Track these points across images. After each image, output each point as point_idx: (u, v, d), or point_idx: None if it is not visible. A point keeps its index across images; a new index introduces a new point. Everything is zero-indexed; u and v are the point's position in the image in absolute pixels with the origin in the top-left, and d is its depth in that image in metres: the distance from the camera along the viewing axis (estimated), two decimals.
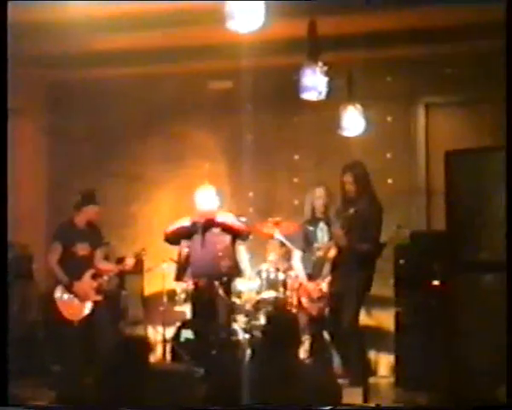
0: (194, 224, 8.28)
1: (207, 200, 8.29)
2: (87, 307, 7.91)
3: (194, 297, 8.21)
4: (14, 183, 10.00)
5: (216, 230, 8.34)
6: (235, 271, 8.28)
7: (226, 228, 8.22)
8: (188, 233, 8.35)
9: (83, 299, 7.90)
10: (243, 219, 8.43)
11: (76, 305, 7.90)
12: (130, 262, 8.28)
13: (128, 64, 9.54)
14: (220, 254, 7.99)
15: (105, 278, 8.09)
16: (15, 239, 9.25)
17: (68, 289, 7.88)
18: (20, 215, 9.82)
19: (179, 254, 8.60)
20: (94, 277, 8.01)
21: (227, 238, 8.34)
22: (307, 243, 8.39)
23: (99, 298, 7.98)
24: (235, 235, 8.36)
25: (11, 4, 5.53)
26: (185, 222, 8.37)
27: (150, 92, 10.12)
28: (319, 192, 8.32)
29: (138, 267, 9.33)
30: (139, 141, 10.24)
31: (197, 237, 8.35)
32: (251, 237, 8.62)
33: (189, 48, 8.90)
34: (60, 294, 7.92)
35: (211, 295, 7.92)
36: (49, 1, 6.95)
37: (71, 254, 7.99)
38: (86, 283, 7.93)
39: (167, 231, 8.43)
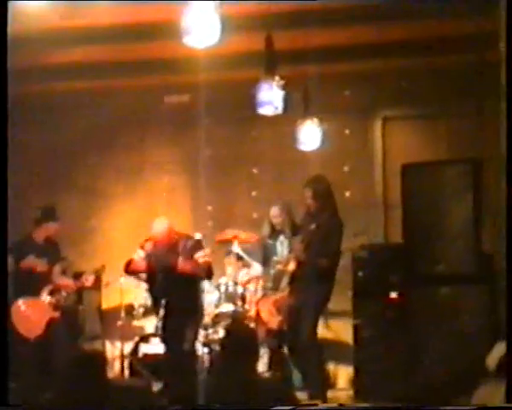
0: (148, 256, 7.91)
1: (160, 227, 7.93)
2: (43, 324, 7.81)
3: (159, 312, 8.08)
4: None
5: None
6: (197, 292, 8.16)
7: (188, 277, 7.92)
8: (146, 270, 8.02)
9: (40, 315, 7.80)
10: (199, 235, 8.32)
11: (32, 321, 7.80)
12: (89, 279, 8.18)
13: (85, 78, 9.48)
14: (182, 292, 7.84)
15: (63, 294, 7.99)
16: None
17: (25, 305, 7.78)
18: None
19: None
20: (51, 293, 7.92)
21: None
22: (267, 256, 8.40)
23: (56, 314, 7.88)
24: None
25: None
26: (140, 254, 7.94)
27: (108, 106, 10.07)
28: (274, 211, 8.36)
29: (96, 282, 9.27)
30: (97, 155, 10.19)
31: (158, 283, 8.09)
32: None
33: (145, 62, 8.88)
34: (16, 310, 7.82)
35: (175, 311, 7.80)
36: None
37: (28, 271, 7.87)
38: (43, 299, 7.85)
39: (126, 269, 8.08)
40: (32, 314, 7.82)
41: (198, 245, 7.76)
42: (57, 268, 8.14)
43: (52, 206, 8.25)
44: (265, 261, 8.41)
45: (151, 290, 8.00)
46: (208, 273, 7.85)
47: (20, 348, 7.76)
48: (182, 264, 7.59)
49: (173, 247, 7.69)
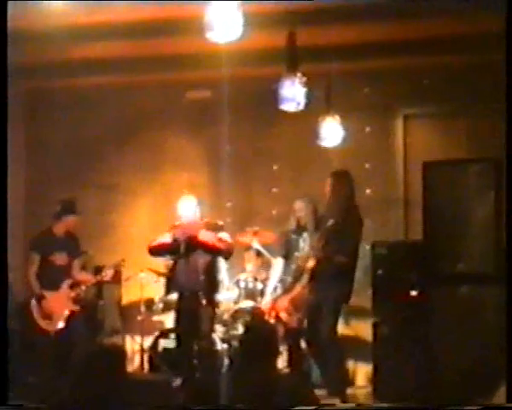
0: (175, 240, 8.01)
1: (189, 212, 8.07)
2: (64, 318, 7.84)
3: (179, 307, 8.10)
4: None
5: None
6: (215, 286, 8.18)
7: (207, 249, 7.96)
8: (170, 249, 8.13)
9: (60, 309, 7.84)
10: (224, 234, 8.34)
11: (53, 315, 7.83)
12: (109, 273, 8.22)
13: (106, 73, 9.52)
14: (201, 271, 7.85)
15: (83, 288, 8.02)
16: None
17: (46, 299, 7.81)
18: None
19: (166, 267, 8.49)
20: (71, 287, 7.95)
21: (208, 256, 8.15)
22: (289, 250, 8.38)
23: (76, 308, 7.92)
24: (217, 254, 8.15)
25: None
26: (166, 238, 8.03)
27: (128, 102, 10.10)
28: (299, 205, 8.34)
29: (116, 277, 9.29)
30: (117, 151, 10.21)
31: (180, 253, 8.15)
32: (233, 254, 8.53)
33: (167, 57, 8.90)
34: (37, 304, 7.86)
35: (193, 306, 7.82)
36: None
37: (49, 264, 7.92)
38: (64, 293, 7.88)
39: (150, 246, 8.15)
40: (52, 308, 7.85)
41: (221, 227, 7.97)
42: (77, 263, 8.18)
43: (72, 200, 8.28)
44: (288, 256, 8.38)
45: (171, 273, 8.01)
46: (228, 251, 7.87)
47: (41, 341, 7.81)
48: (203, 234, 7.67)
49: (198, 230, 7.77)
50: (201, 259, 7.85)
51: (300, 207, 8.33)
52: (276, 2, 6.93)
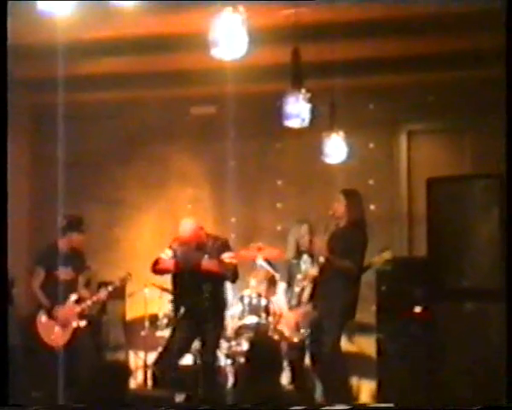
0: (177, 262, 7.89)
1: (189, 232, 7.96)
2: (69, 333, 7.83)
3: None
4: (7, 210, 10.05)
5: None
6: (220, 303, 8.12)
7: (212, 276, 7.88)
8: (174, 271, 8.02)
9: (65, 324, 7.83)
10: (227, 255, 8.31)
11: (58, 330, 7.82)
12: (103, 293, 8.11)
13: (111, 89, 9.56)
14: (205, 289, 7.79)
15: (88, 302, 8.01)
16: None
17: (50, 314, 7.81)
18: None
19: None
20: (77, 302, 7.94)
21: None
22: (291, 275, 8.38)
23: (81, 323, 7.89)
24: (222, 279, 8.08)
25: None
26: (168, 257, 7.79)
27: (133, 117, 10.14)
28: (304, 230, 8.33)
29: (120, 292, 9.30)
30: (122, 166, 10.23)
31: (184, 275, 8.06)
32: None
33: (172, 73, 8.94)
34: (41, 319, 7.85)
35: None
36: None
37: (53, 279, 7.90)
38: (69, 308, 7.86)
39: (154, 268, 8.05)
40: (56, 323, 7.84)
41: (225, 245, 7.76)
42: (81, 279, 8.16)
43: (79, 216, 8.27)
44: (290, 281, 8.38)
45: (175, 291, 7.94)
46: (234, 275, 7.75)
47: (44, 357, 7.79)
48: (206, 262, 7.54)
49: (201, 246, 7.67)
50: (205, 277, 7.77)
51: (304, 233, 8.32)
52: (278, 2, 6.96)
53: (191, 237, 7.63)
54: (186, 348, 7.78)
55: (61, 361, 7.70)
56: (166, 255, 7.75)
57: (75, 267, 8.06)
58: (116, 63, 8.75)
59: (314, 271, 7.64)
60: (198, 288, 7.56)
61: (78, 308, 7.90)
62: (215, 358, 7.83)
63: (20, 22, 7.50)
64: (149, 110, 10.04)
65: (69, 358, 7.72)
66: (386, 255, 7.66)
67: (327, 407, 6.02)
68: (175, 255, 7.72)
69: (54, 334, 7.79)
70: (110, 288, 8.15)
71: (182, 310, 7.76)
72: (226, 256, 7.63)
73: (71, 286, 7.98)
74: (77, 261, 8.10)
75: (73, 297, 7.90)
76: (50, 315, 7.80)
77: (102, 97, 9.87)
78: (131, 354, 9.35)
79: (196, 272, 7.58)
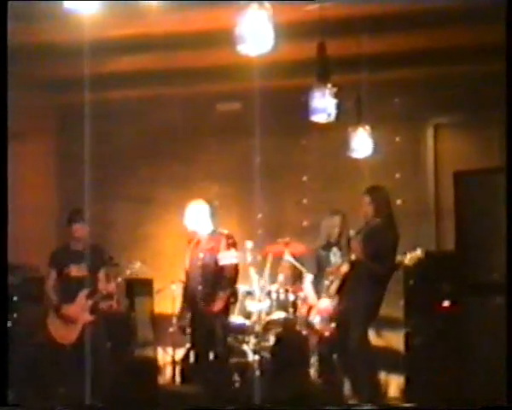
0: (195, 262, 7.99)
1: (199, 220, 8.07)
2: (78, 329, 7.74)
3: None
4: (24, 205, 10.13)
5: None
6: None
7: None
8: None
9: (74, 321, 7.75)
10: (250, 243, 8.35)
11: (67, 328, 7.75)
12: (113, 284, 8.08)
13: (138, 86, 9.60)
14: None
15: (96, 297, 7.90)
16: (25, 261, 9.29)
17: (59, 312, 7.74)
18: (30, 237, 9.87)
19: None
20: (88, 296, 7.84)
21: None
22: (320, 267, 8.37)
23: (93, 318, 7.80)
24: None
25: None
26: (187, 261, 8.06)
27: (159, 114, 10.17)
28: (335, 221, 8.32)
29: (148, 289, 9.36)
30: (149, 163, 10.28)
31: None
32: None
33: (197, 70, 8.96)
34: (51, 318, 7.80)
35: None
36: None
37: (65, 277, 7.85)
38: (79, 304, 7.78)
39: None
40: (65, 321, 7.77)
41: (227, 245, 7.82)
42: (101, 274, 8.06)
43: (77, 208, 8.22)
44: (318, 272, 8.37)
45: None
46: (230, 274, 7.81)
47: (57, 353, 7.78)
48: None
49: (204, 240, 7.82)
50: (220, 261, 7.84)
51: (336, 224, 8.30)
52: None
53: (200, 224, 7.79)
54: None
55: (78, 358, 7.67)
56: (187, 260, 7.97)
57: (91, 263, 7.96)
58: (142, 61, 8.79)
59: (345, 267, 7.62)
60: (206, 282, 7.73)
61: (88, 303, 7.81)
62: (226, 349, 7.86)
63: (45, 22, 7.58)
64: (175, 107, 10.08)
65: (83, 353, 7.68)
66: (419, 253, 7.62)
67: (356, 408, 6.02)
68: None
69: (64, 331, 7.74)
70: (119, 279, 8.08)
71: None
72: (222, 257, 7.76)
73: (84, 282, 7.88)
74: (92, 257, 7.99)
75: (84, 293, 7.81)
76: (59, 313, 7.75)
77: (129, 95, 9.92)
78: (159, 351, 9.37)
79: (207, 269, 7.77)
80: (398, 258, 7.54)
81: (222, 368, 7.68)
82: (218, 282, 7.73)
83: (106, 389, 6.59)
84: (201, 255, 7.84)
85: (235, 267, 7.88)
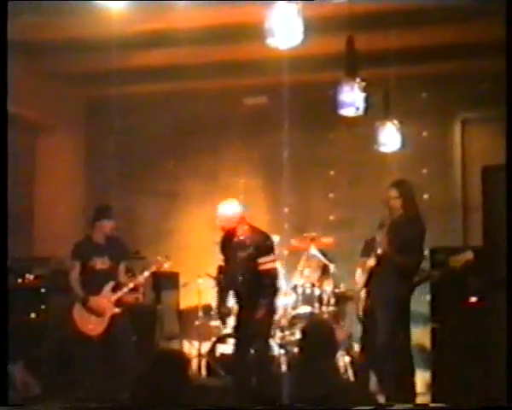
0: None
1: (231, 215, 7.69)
2: (105, 322, 7.77)
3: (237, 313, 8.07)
4: (51, 198, 10.20)
5: None
6: (273, 293, 8.12)
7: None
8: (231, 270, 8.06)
9: (101, 314, 7.78)
10: (276, 237, 8.33)
11: (94, 320, 7.78)
12: (142, 277, 8.10)
13: (164, 80, 9.63)
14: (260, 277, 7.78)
15: (124, 290, 7.92)
16: (53, 253, 9.35)
17: (86, 304, 7.77)
18: (57, 229, 9.94)
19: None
20: (114, 290, 7.87)
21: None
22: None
23: (118, 311, 7.83)
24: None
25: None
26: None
27: (186, 108, 10.19)
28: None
29: (174, 282, 9.38)
30: (175, 157, 10.31)
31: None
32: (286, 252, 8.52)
33: (225, 63, 8.97)
34: (77, 310, 7.83)
35: (252, 312, 7.75)
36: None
37: (90, 270, 7.87)
38: (105, 297, 7.81)
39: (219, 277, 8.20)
40: (93, 312, 7.79)
41: (264, 245, 7.62)
42: (121, 267, 8.08)
43: (106, 204, 8.24)
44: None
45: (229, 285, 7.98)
46: (272, 279, 7.66)
47: (83, 346, 7.81)
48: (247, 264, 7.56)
49: (242, 239, 7.64)
50: (246, 254, 7.72)
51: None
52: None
53: (232, 228, 7.61)
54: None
55: (104, 350, 7.70)
56: (222, 261, 7.83)
57: (113, 256, 7.98)
58: (170, 55, 8.81)
59: (372, 261, 7.58)
60: (248, 280, 7.61)
61: (114, 296, 7.84)
62: (268, 347, 7.85)
63: (74, 17, 7.62)
64: (202, 101, 10.09)
65: (111, 346, 7.71)
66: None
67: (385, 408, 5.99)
68: (223, 255, 7.77)
69: (90, 324, 7.77)
70: (146, 273, 8.06)
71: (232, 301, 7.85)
72: (264, 260, 7.55)
73: (109, 275, 7.91)
74: (114, 250, 8.01)
75: (109, 286, 7.84)
76: (86, 305, 7.78)
77: (155, 89, 9.95)
78: (185, 344, 9.39)
79: (236, 264, 7.63)
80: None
81: (259, 363, 7.62)
82: (259, 287, 7.58)
83: (131, 383, 6.61)
84: (240, 256, 7.65)
85: (275, 272, 7.75)
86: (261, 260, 7.51)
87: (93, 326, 7.74)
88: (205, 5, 7.28)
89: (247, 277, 7.59)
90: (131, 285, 7.92)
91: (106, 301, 7.76)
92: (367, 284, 7.75)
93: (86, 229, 9.10)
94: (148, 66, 9.17)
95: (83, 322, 7.76)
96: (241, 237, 7.61)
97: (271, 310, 7.76)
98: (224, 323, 8.30)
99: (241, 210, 7.65)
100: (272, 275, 7.63)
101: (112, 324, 7.75)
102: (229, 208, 7.61)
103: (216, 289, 8.29)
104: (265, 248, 7.58)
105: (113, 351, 7.72)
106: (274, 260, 7.65)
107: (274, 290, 7.72)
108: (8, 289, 5.58)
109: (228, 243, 7.69)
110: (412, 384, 7.81)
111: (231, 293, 7.87)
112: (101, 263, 7.86)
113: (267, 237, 7.72)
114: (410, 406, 6.92)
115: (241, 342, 7.68)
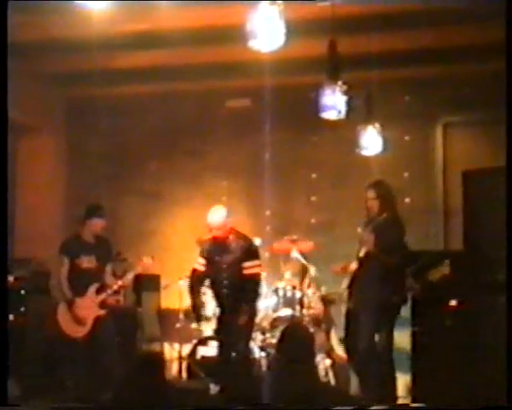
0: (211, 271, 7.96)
1: (219, 221, 7.67)
2: (89, 324, 7.72)
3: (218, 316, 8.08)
4: (32, 200, 10.15)
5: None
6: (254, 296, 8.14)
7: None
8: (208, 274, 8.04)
9: (85, 315, 7.72)
10: (258, 239, 8.34)
11: (78, 322, 7.72)
12: (129, 277, 8.07)
13: (147, 81, 9.61)
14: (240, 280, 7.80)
15: (108, 292, 7.88)
16: (33, 255, 9.30)
17: (71, 305, 7.71)
18: (37, 231, 9.90)
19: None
20: (98, 291, 7.83)
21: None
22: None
23: (103, 313, 7.79)
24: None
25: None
26: (202, 269, 7.86)
27: (169, 110, 10.18)
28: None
29: (155, 284, 9.35)
30: (158, 158, 10.29)
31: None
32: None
33: (208, 66, 8.96)
34: (62, 310, 7.76)
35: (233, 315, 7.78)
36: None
37: (76, 268, 7.81)
38: (89, 298, 7.76)
39: (193, 279, 8.14)
40: (78, 313, 7.74)
41: (248, 250, 7.68)
42: (108, 268, 8.04)
43: (97, 203, 8.22)
44: None
45: (212, 290, 8.00)
46: (255, 284, 7.72)
47: (67, 347, 7.77)
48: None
49: (224, 241, 7.65)
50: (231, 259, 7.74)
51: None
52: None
53: (220, 232, 7.64)
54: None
55: (87, 352, 7.66)
56: (199, 264, 7.81)
57: (100, 256, 7.94)
58: (152, 56, 8.80)
59: (354, 265, 7.56)
60: (232, 284, 7.64)
61: (99, 298, 7.78)
62: (249, 350, 7.86)
63: (57, 17, 7.59)
64: (185, 103, 10.08)
65: (95, 348, 7.67)
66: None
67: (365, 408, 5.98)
68: (208, 260, 7.76)
69: (74, 325, 7.70)
70: (130, 276, 8.03)
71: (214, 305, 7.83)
72: (249, 265, 7.60)
73: (95, 275, 7.86)
74: (101, 250, 7.97)
75: (94, 287, 7.78)
76: (71, 306, 7.71)
77: (138, 90, 9.94)
78: (166, 346, 9.37)
79: (220, 269, 7.66)
80: (427, 276, 7.51)
81: (240, 366, 7.63)
82: (243, 291, 7.63)
83: (113, 384, 6.59)
84: (225, 260, 7.68)
85: (260, 277, 7.80)
86: (246, 264, 7.58)
87: (77, 328, 7.68)
88: (189, 6, 7.27)
89: (232, 281, 7.63)
90: (116, 287, 7.89)
91: (90, 301, 7.72)
92: (350, 286, 7.75)
93: (71, 229, 9.08)
94: (131, 67, 9.15)
95: (67, 323, 7.69)
96: (227, 242, 7.64)
97: (254, 314, 7.82)
98: (199, 320, 8.25)
99: (227, 216, 7.67)
100: (256, 279, 7.70)
101: (96, 326, 7.71)
102: (219, 215, 7.62)
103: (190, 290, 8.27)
104: (250, 253, 7.65)
105: (97, 353, 7.68)
106: (259, 265, 7.70)
107: (257, 295, 7.79)
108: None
109: (213, 247, 7.71)
110: (394, 387, 7.85)
111: (214, 297, 7.85)
112: (87, 262, 7.80)
113: (252, 242, 7.78)
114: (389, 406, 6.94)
115: (224, 346, 7.69)
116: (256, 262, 7.64)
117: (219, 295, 7.76)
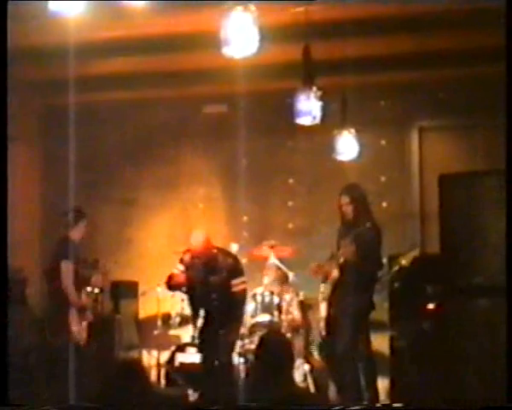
0: (188, 269, 8.00)
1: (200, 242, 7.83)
2: (84, 327, 7.69)
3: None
4: (7, 207, 10.07)
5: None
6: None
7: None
8: (188, 281, 8.05)
9: (81, 318, 7.68)
10: (235, 245, 8.36)
11: (83, 326, 7.68)
12: (97, 279, 8.03)
13: (122, 89, 9.58)
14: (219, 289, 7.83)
15: (95, 291, 7.84)
16: (8, 263, 9.23)
17: (80, 311, 7.65)
18: (13, 239, 9.81)
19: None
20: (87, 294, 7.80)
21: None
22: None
23: (91, 317, 7.75)
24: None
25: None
26: (180, 271, 7.94)
27: (144, 117, 10.16)
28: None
29: (133, 291, 9.32)
30: (134, 165, 10.25)
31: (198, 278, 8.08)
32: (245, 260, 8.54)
33: (183, 72, 8.95)
34: (73, 317, 7.68)
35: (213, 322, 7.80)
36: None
37: (76, 273, 7.80)
38: (84, 301, 7.74)
39: (168, 284, 8.12)
40: (83, 319, 7.70)
41: (235, 268, 7.82)
42: (95, 274, 8.01)
43: (79, 206, 8.19)
44: None
45: (190, 301, 8.03)
46: (243, 301, 7.94)
47: (61, 354, 7.72)
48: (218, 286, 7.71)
49: (211, 260, 7.75)
50: (219, 278, 7.80)
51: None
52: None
53: (202, 250, 7.67)
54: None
55: (83, 358, 7.61)
56: (178, 270, 7.82)
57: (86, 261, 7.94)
58: (127, 63, 8.76)
59: (336, 272, 7.55)
60: (211, 299, 7.73)
61: (89, 301, 7.76)
62: (231, 359, 7.87)
63: (30, 23, 7.54)
64: (161, 110, 10.06)
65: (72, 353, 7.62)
66: (415, 252, 7.60)
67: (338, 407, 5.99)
68: (187, 269, 7.79)
69: (82, 330, 7.67)
70: (105, 283, 8.05)
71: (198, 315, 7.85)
72: (236, 282, 7.77)
73: (85, 278, 7.84)
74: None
75: (87, 290, 7.76)
76: (80, 312, 7.66)
77: (114, 97, 9.89)
78: (144, 353, 9.34)
79: (209, 289, 7.74)
80: (397, 261, 7.54)
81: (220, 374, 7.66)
82: (230, 307, 7.76)
83: (91, 391, 6.55)
84: (212, 280, 7.76)
85: (246, 293, 7.98)
86: (233, 282, 7.74)
87: (82, 334, 7.65)
88: (164, 12, 7.24)
89: (219, 298, 7.73)
90: (97, 290, 7.90)
91: (85, 305, 7.72)
92: (331, 293, 7.75)
93: (47, 237, 9.05)
94: (106, 74, 9.11)
95: (78, 330, 7.66)
96: (213, 262, 7.75)
97: (239, 328, 7.99)
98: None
99: (206, 236, 7.74)
100: (243, 295, 7.90)
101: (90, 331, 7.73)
102: (200, 238, 7.68)
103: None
104: (236, 270, 7.81)
105: (71, 360, 7.64)
106: (245, 282, 7.87)
107: (243, 311, 8.01)
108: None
109: (197, 266, 7.78)
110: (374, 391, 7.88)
111: (201, 313, 7.84)
112: (82, 266, 7.80)
113: (237, 260, 7.93)
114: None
115: (203, 353, 7.71)
116: (242, 279, 7.82)
117: (206, 310, 7.76)
